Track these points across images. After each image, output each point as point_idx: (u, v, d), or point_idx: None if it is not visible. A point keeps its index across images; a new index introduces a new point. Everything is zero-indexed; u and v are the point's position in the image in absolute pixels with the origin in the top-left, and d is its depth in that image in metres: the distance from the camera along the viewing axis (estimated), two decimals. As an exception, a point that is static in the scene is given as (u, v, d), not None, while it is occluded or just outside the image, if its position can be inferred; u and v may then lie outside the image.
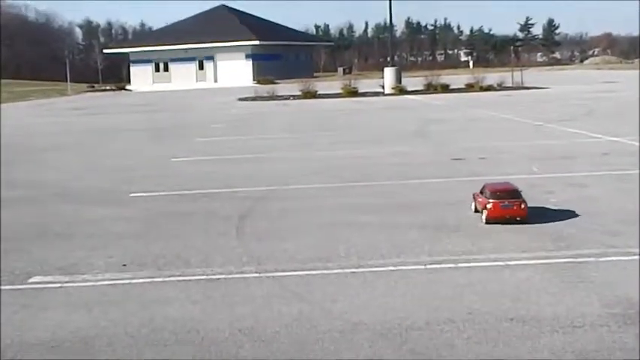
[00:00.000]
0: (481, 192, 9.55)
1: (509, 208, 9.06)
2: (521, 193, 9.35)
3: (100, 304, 6.60)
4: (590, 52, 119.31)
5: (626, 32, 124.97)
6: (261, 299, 6.53)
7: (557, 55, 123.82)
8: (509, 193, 9.31)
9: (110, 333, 5.88)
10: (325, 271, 7.30)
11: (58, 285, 7.23)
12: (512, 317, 5.85)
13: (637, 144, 15.90)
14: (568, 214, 9.40)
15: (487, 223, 9.14)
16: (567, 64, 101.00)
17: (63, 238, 9.27)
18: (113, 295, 6.85)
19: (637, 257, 7.33)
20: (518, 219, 9.02)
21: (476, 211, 9.66)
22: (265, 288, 6.86)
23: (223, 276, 7.28)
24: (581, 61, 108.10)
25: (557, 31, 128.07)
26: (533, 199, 10.48)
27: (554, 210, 9.72)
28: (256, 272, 7.38)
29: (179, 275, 7.38)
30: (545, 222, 9.05)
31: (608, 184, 11.46)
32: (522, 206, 9.10)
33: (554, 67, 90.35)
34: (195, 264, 7.76)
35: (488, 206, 9.14)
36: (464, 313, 5.99)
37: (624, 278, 6.73)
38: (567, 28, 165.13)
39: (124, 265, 7.83)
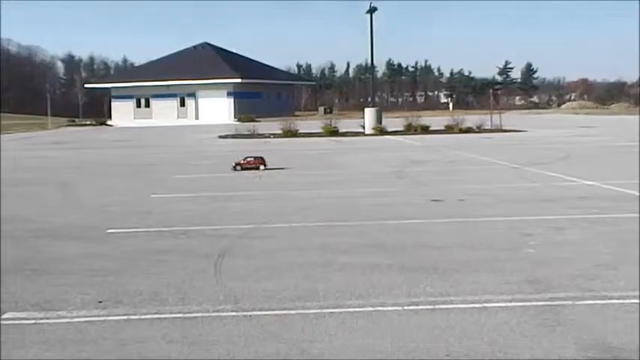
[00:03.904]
0: (244, 159, 22.29)
1: (253, 162, 21.99)
2: (265, 160, 22.30)
3: (74, 341, 6.51)
4: (567, 97, 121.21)
5: (602, 78, 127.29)
6: (238, 339, 6.48)
7: (535, 98, 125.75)
8: (256, 159, 22.16)
9: (84, 372, 5.79)
10: (303, 311, 7.27)
11: (32, 322, 7.12)
12: (489, 360, 5.86)
13: (612, 188, 16.11)
14: (545, 257, 9.47)
15: (242, 170, 21.57)
16: (545, 108, 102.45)
17: (38, 273, 9.15)
18: (88, 332, 6.76)
19: (613, 301, 7.39)
20: (256, 168, 21.71)
21: (235, 169, 21.83)
22: (242, 327, 6.81)
23: (200, 314, 7.22)
24: (559, 105, 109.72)
25: (535, 76, 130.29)
26: (512, 241, 10.57)
27: (532, 252, 9.79)
28: (233, 311, 7.32)
29: (155, 313, 7.30)
30: (523, 264, 9.09)
31: (584, 228, 11.57)
32: (261, 165, 22.02)
33: (532, 110, 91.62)
34: (173, 302, 7.69)
35: (242, 162, 21.89)
36: (442, 355, 5.98)
37: (600, 322, 6.77)
38: (545, 72, 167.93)
39: (100, 301, 7.74)
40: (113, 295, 7.99)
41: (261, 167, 21.95)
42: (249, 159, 22.21)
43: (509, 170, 21.10)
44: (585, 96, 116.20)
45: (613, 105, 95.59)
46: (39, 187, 19.44)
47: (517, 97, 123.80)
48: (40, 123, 71.20)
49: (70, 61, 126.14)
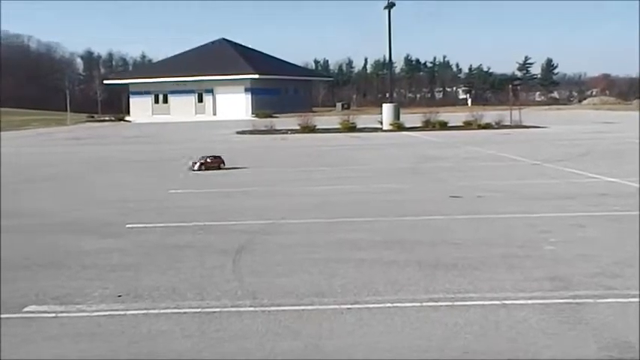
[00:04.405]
0: (204, 158, 21.70)
1: (213, 162, 21.59)
2: (222, 158, 22.06)
3: (93, 335, 6.54)
4: (589, 93, 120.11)
5: (625, 74, 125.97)
6: (254, 334, 6.47)
7: (555, 94, 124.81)
8: (215, 157, 21.85)
9: (102, 366, 5.81)
10: (321, 307, 7.25)
11: (53, 315, 7.17)
12: (508, 358, 5.80)
13: (634, 185, 15.94)
14: (565, 254, 9.38)
15: (206, 170, 21.06)
16: (565, 104, 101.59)
17: (58, 267, 9.21)
18: (107, 326, 6.79)
19: (635, 299, 7.30)
20: (218, 167, 21.45)
21: (200, 169, 21.24)
22: (260, 323, 6.80)
23: (218, 309, 7.23)
24: (580, 101, 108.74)
25: (555, 71, 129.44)
26: (531, 238, 10.48)
27: (552, 249, 9.70)
28: (251, 306, 7.32)
29: (174, 308, 7.32)
30: (542, 262, 9.01)
31: (606, 225, 11.45)
32: (220, 164, 21.75)
33: (553, 106, 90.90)
34: (191, 297, 7.71)
35: (203, 161, 21.48)
36: (460, 352, 5.94)
37: (622, 321, 6.69)
38: (566, 68, 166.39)
39: (120, 295, 7.78)
40: (132, 290, 8.02)
41: (222, 165, 21.82)
42: (208, 158, 21.87)
43: (528, 167, 20.94)
44: (607, 91, 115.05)
45: (635, 100, 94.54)
46: (57, 183, 19.57)
47: (537, 93, 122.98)
48: (58, 119, 71.71)
49: (89, 58, 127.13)
